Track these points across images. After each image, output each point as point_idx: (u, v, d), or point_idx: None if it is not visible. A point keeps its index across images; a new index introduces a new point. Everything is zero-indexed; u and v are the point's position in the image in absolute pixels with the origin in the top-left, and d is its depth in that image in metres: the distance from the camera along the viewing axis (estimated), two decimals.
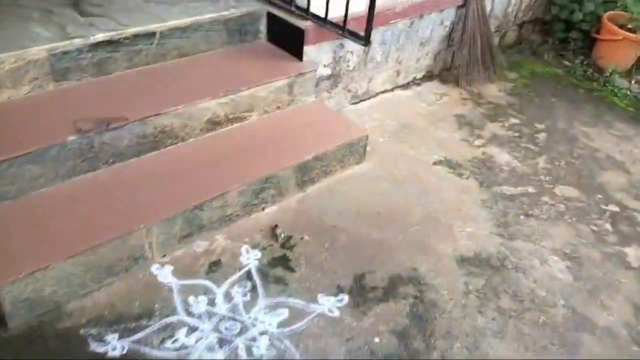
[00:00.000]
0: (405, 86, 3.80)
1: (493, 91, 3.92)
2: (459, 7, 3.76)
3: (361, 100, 3.54)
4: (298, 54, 2.98)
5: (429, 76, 3.94)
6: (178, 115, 2.48)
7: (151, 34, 2.65)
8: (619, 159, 3.34)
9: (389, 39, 3.45)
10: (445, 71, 4.02)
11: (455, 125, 3.46)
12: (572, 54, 4.47)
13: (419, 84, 3.86)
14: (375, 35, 3.33)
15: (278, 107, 2.90)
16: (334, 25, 2.80)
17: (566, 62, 4.43)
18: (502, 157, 3.21)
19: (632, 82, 4.23)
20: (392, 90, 3.72)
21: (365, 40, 2.66)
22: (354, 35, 2.73)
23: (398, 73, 3.71)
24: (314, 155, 2.66)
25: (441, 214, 2.71)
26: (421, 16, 3.55)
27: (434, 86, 3.87)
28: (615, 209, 2.93)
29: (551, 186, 3.03)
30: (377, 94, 3.63)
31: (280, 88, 2.86)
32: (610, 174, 3.19)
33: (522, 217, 2.78)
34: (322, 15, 2.80)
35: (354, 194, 2.74)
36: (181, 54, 2.81)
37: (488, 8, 4.01)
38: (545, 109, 3.77)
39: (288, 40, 3.00)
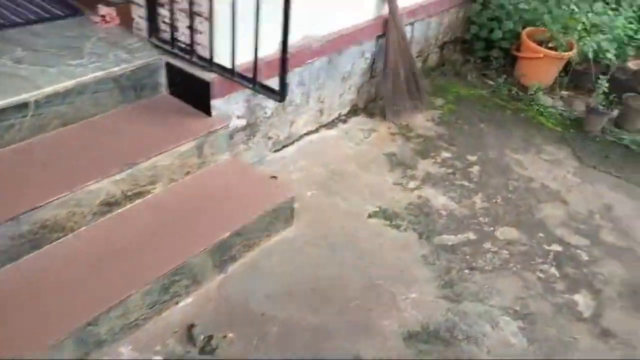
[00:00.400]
0: (331, 125, 3.52)
1: (421, 122, 3.72)
2: (379, 37, 3.53)
3: (284, 146, 3.23)
4: (205, 109, 2.63)
5: (354, 110, 3.69)
6: (62, 204, 2.06)
7: (23, 105, 2.20)
8: (554, 188, 3.23)
9: (308, 79, 3.17)
10: (371, 102, 3.79)
11: (386, 166, 3.22)
12: (494, 72, 4.38)
13: (344, 121, 3.60)
14: (292, 77, 3.04)
15: (187, 173, 2.54)
16: (243, 77, 2.46)
17: (490, 82, 4.33)
18: (439, 199, 3.00)
19: (556, 98, 4.18)
20: (316, 130, 3.43)
21: (281, 96, 2.35)
22: (267, 90, 2.41)
23: (321, 112, 3.43)
24: (233, 231, 2.31)
25: (382, 280, 2.44)
26: (340, 51, 3.29)
27: (360, 121, 3.63)
28: (559, 248, 2.78)
29: (492, 229, 2.84)
30: (301, 137, 3.33)
31: (188, 152, 2.49)
32: (548, 207, 3.06)
33: (466, 271, 2.56)
34: (229, 64, 2.47)
35: (284, 268, 2.42)
36: (64, 122, 2.38)
37: (408, 34, 3.83)
38: (475, 138, 3.62)
39: (193, 94, 2.64)
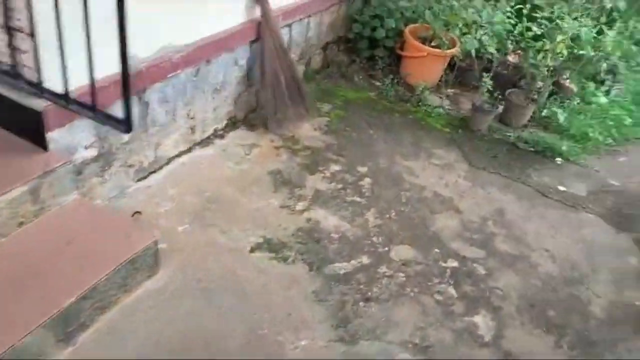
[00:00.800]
0: (206, 142, 3.15)
1: (308, 131, 3.45)
2: (253, 42, 3.20)
3: (151, 173, 2.81)
4: (40, 143, 2.16)
5: (232, 123, 3.34)
6: None
7: None
8: (447, 195, 3.10)
9: (172, 95, 2.76)
10: (251, 113, 3.45)
11: (271, 186, 2.91)
12: (381, 72, 4.22)
13: (222, 136, 3.24)
14: (152, 95, 2.63)
15: (20, 224, 2.06)
16: (81, 105, 2.02)
17: (377, 83, 4.16)
18: (329, 221, 2.75)
19: (443, 97, 4.10)
20: (189, 150, 3.04)
21: (126, 125, 1.94)
22: (110, 119, 1.99)
23: (193, 129, 3.04)
24: (79, 295, 1.89)
25: (268, 327, 2.14)
26: (208, 61, 2.92)
27: (240, 135, 3.28)
28: (455, 263, 2.64)
29: (386, 249, 2.64)
30: (170, 160, 2.93)
31: (19, 198, 2.02)
32: (442, 217, 2.92)
33: (361, 303, 2.33)
34: (62, 89, 2.02)
35: (149, 327, 2.04)
36: None
37: (286, 37, 3.53)
38: (365, 146, 3.42)
39: (23, 125, 2.16)
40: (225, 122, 3.29)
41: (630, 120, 4.08)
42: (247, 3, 3.05)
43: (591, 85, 4.23)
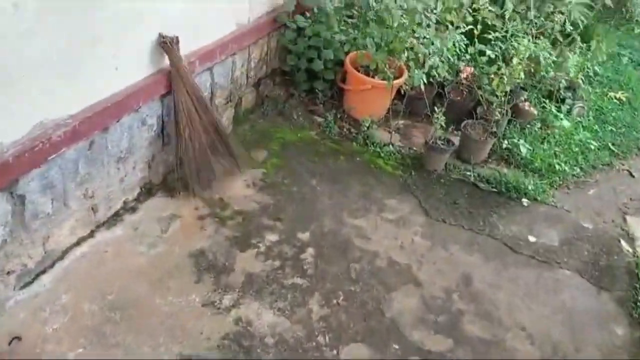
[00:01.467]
0: (113, 221, 2.61)
1: (239, 190, 2.96)
2: (164, 96, 2.68)
3: (39, 274, 2.26)
4: None
5: (148, 190, 2.81)
6: None
7: None
8: (404, 262, 2.67)
9: (60, 178, 2.22)
10: (171, 173, 2.92)
11: (192, 275, 2.40)
12: (322, 107, 3.75)
13: (134, 209, 2.70)
14: (29, 184, 2.08)
15: None
16: None
17: (318, 119, 3.69)
18: (264, 318, 2.27)
19: (393, 132, 3.67)
20: (91, 235, 2.50)
21: None
22: None
23: (95, 209, 2.50)
24: None
25: None
26: (106, 128, 2.38)
27: (157, 205, 2.76)
28: None
29: (335, 352, 2.18)
30: (66, 252, 2.39)
31: None
32: (399, 296, 2.49)
33: None
34: None
35: None
36: None
37: (207, 82, 3.01)
38: (307, 203, 2.95)
39: None
40: (137, 191, 2.76)
41: (595, 144, 3.75)
42: (151, 52, 2.53)
43: (552, 107, 3.90)
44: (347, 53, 3.68)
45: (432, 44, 3.16)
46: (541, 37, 3.64)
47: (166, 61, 2.60)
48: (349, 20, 3.65)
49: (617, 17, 4.77)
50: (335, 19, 3.47)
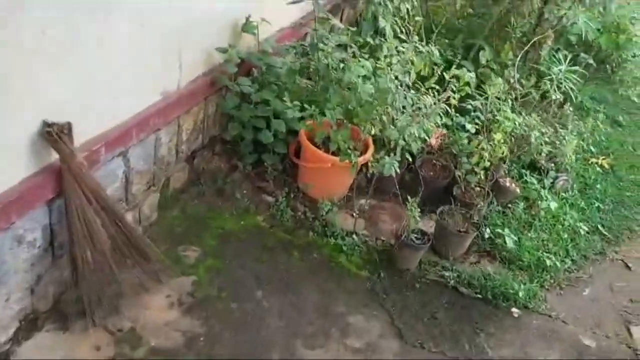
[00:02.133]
0: None
1: (159, 312, 2.27)
2: (53, 199, 1.97)
3: None
4: None
5: (33, 322, 2.09)
6: None
7: None
8: None
9: None
10: (66, 293, 2.20)
11: None
12: (272, 183, 3.11)
13: (7, 355, 1.96)
14: None
15: None
16: None
17: (268, 198, 3.05)
18: None
19: (357, 215, 3.06)
20: None
21: None
22: None
23: None
24: None
25: None
26: None
27: (44, 344, 2.04)
28: None
29: None
30: None
31: None
32: None
33: None
34: None
35: None
36: None
37: (120, 170, 2.33)
38: (250, 330, 2.29)
39: None
40: (14, 328, 2.02)
41: (584, 228, 3.26)
42: (30, 147, 1.83)
43: (534, 181, 3.41)
44: (302, 118, 3.06)
45: (408, 129, 2.57)
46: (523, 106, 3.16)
47: (54, 155, 1.91)
48: (305, 82, 3.03)
49: (600, 76, 4.39)
50: (286, 89, 2.84)
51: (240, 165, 3.14)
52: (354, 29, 2.85)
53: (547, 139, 2.87)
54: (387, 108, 2.54)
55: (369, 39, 2.79)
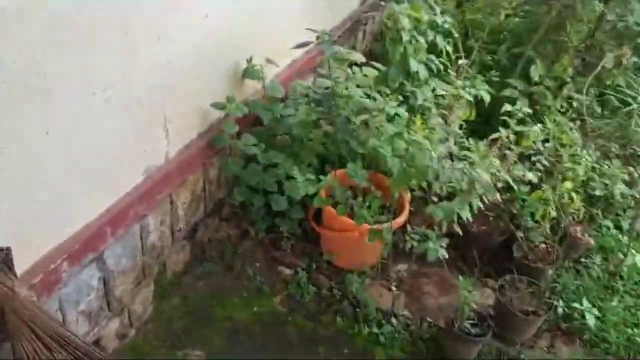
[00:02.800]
0: None
1: None
2: None
3: None
4: None
5: None
6: None
7: None
8: None
9: None
10: None
11: None
12: (290, 253, 2.60)
13: None
14: None
15: None
16: None
17: (285, 271, 2.55)
18: None
19: (393, 286, 2.52)
20: None
21: None
22: None
23: None
24: None
25: None
26: None
27: None
28: None
29: None
30: None
31: None
32: None
33: None
34: None
35: None
36: None
37: (93, 278, 1.85)
38: None
39: None
40: None
41: None
42: None
43: (609, 225, 2.80)
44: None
45: (467, 176, 1.99)
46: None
47: None
48: (323, 130, 2.49)
49: None
50: (300, 144, 2.31)
51: (252, 231, 2.65)
52: (380, 68, 2.28)
53: (635, 194, 2.26)
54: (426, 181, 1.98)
55: (399, 80, 2.21)
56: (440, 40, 2.27)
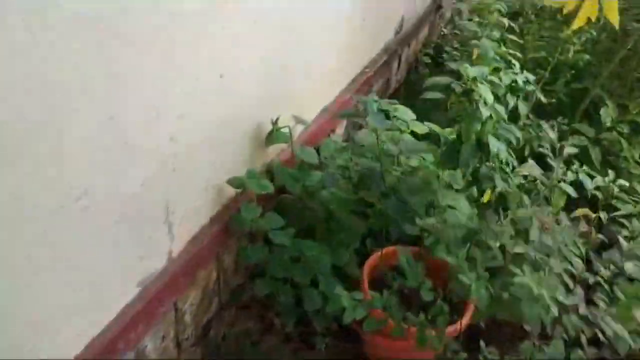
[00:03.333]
0: None
1: None
2: None
3: None
4: None
5: None
6: None
7: None
8: None
9: None
10: None
11: None
12: (325, 353, 2.11)
13: None
14: None
15: None
16: None
17: None
18: None
19: None
20: None
21: None
22: None
23: None
24: None
25: None
26: None
27: None
28: None
29: None
30: None
31: None
32: None
33: None
34: None
35: None
36: None
37: None
38: None
39: None
40: None
41: None
42: None
43: None
44: (366, 255, 2.05)
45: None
46: None
47: None
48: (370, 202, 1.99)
49: None
50: (338, 225, 1.83)
51: (278, 324, 2.17)
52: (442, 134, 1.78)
53: None
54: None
55: (474, 165, 1.69)
56: (522, 107, 1.78)
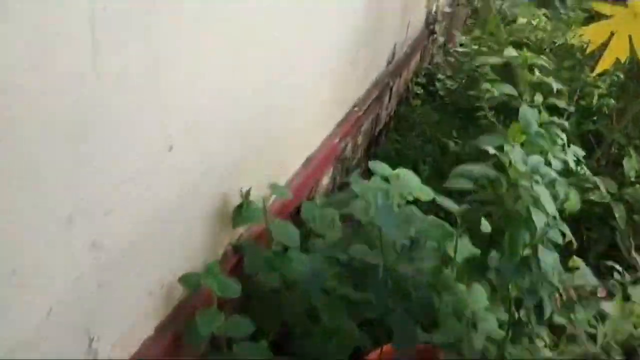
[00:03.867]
0: None
1: None
2: None
3: None
4: None
5: None
6: None
7: None
8: None
9: None
10: None
11: None
12: None
13: None
14: None
15: None
16: None
17: None
18: None
19: None
20: None
21: None
22: None
23: None
24: None
25: None
26: None
27: None
28: None
29: None
30: None
31: None
32: None
33: None
34: None
35: None
36: None
37: None
38: None
39: None
40: None
41: None
42: None
43: None
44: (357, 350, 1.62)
45: None
46: None
47: None
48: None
49: None
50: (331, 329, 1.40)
51: None
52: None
53: None
54: None
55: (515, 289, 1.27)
56: (573, 198, 1.37)
